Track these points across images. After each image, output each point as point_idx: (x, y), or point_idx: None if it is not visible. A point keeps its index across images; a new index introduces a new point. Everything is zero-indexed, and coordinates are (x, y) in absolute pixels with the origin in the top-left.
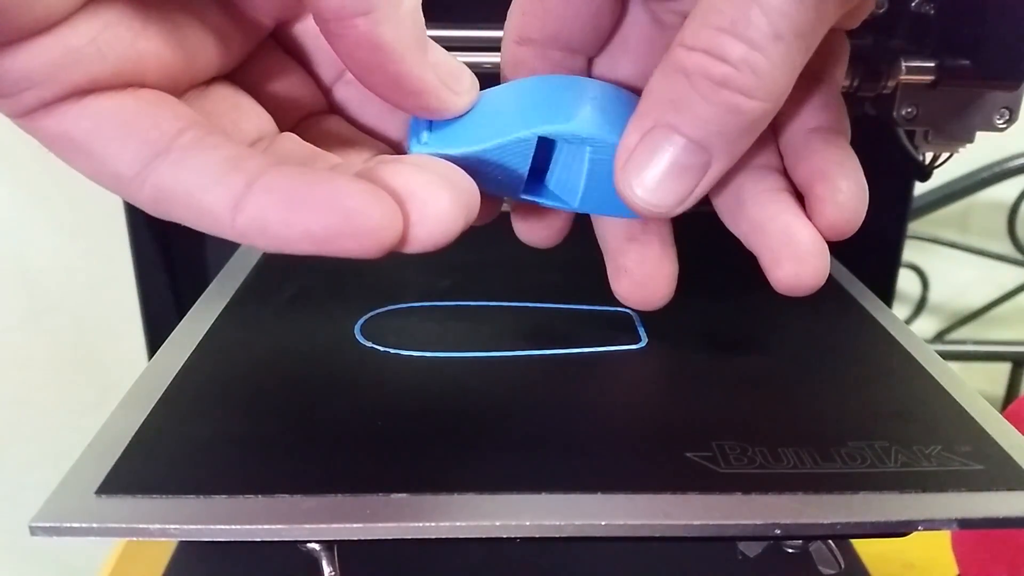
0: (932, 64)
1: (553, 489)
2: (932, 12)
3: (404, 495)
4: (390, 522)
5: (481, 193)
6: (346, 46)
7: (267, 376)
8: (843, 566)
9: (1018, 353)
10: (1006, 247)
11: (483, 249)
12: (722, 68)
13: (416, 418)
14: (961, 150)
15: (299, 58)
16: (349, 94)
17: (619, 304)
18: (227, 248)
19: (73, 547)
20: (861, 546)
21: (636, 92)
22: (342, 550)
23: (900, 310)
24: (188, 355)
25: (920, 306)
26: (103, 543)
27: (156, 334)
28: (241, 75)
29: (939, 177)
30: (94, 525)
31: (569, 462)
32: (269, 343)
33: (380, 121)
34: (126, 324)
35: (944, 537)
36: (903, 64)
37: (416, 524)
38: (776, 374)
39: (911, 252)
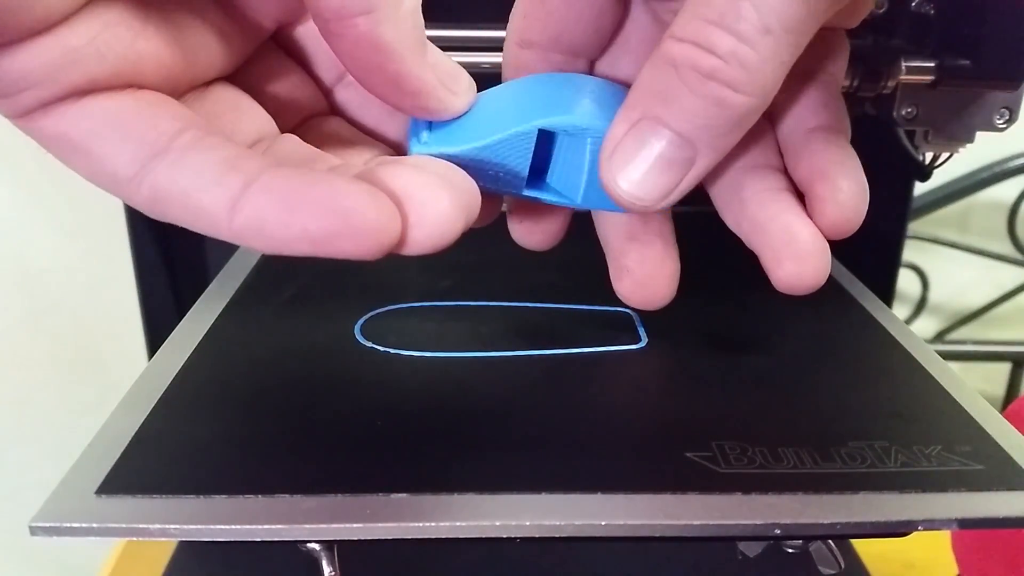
0: (932, 64)
1: (553, 489)
2: (932, 12)
3: (404, 495)
4: (390, 522)
5: (481, 193)
6: (346, 46)
7: (267, 376)
8: (843, 566)
9: (1018, 353)
10: (1006, 247)
11: (483, 249)
12: (710, 60)
13: (416, 418)
14: (961, 150)
15: (300, 60)
16: (350, 96)
17: (619, 304)
18: (227, 248)
19: (73, 547)
20: (861, 546)
21: None
22: (342, 550)
23: (900, 310)
24: (188, 355)
25: (920, 306)
26: (103, 543)
27: (156, 334)
28: (242, 76)
29: (939, 177)
30: (94, 525)
31: (569, 462)
32: (269, 343)
33: (381, 122)
34: (126, 324)
35: (944, 537)
36: (903, 64)
37: (416, 524)
38: (776, 374)
39: (911, 252)
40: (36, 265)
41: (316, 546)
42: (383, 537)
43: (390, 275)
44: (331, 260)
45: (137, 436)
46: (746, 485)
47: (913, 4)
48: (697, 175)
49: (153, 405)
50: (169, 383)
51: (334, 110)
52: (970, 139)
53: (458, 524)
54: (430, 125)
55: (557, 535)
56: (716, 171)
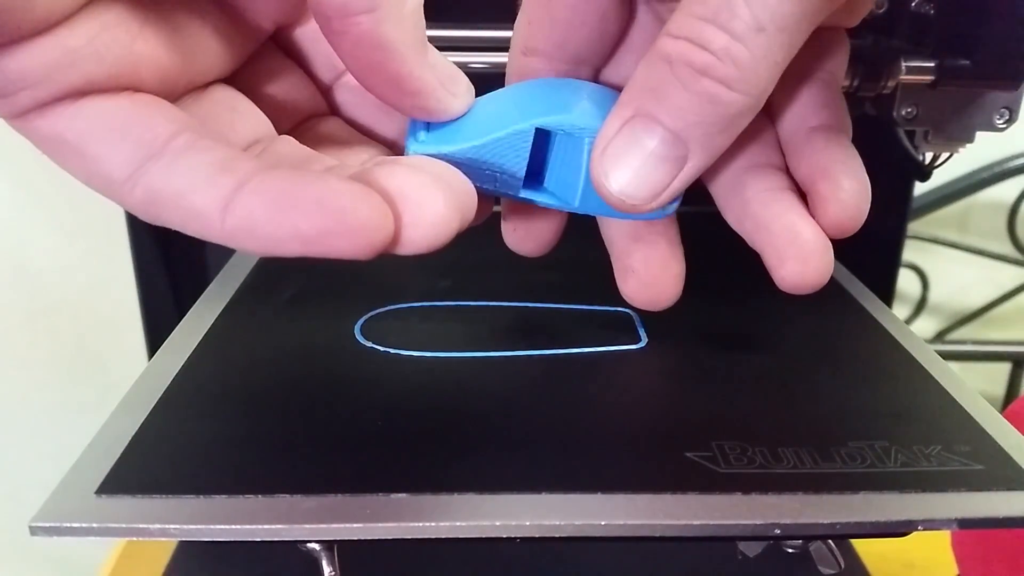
0: (932, 64)
1: (553, 489)
2: (932, 12)
3: (404, 495)
4: (390, 522)
5: (478, 193)
6: (347, 44)
7: (267, 376)
8: (843, 566)
9: (1018, 353)
10: (1006, 247)
11: (483, 249)
12: (704, 56)
13: (416, 418)
14: (961, 150)
15: (298, 60)
16: (348, 97)
17: (619, 304)
18: (227, 248)
19: (73, 547)
20: (861, 546)
21: None
22: (342, 550)
23: (900, 310)
24: (188, 355)
25: (920, 306)
26: (103, 543)
27: (156, 334)
28: (240, 77)
29: (939, 177)
30: (94, 525)
31: (569, 462)
32: (269, 343)
33: (379, 123)
34: (126, 324)
35: (944, 537)
36: (903, 64)
37: (416, 524)
38: (776, 374)
39: (911, 252)
40: (36, 265)
41: (316, 546)
42: (383, 537)
43: (390, 275)
44: (330, 260)
45: (137, 436)
46: (746, 485)
47: (913, 4)
48: (689, 176)
49: (153, 405)
50: (169, 383)
51: (333, 111)
52: (970, 139)
53: (458, 524)
54: (428, 126)
55: (557, 535)
56: (718, 170)
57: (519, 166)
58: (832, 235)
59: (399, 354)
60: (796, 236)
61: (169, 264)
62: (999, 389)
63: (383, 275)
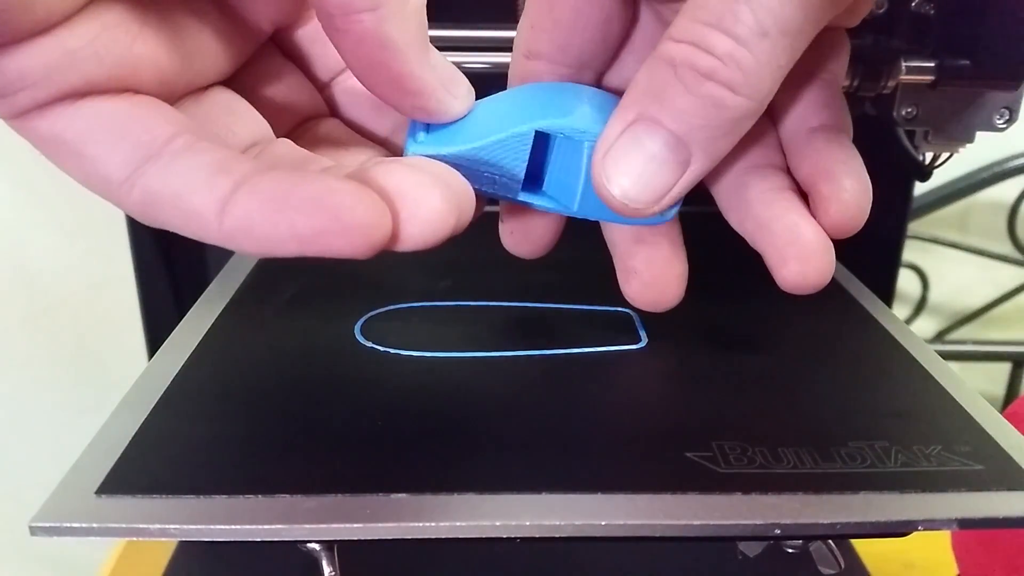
0: (932, 64)
1: (553, 489)
2: (932, 12)
3: (404, 495)
4: (390, 522)
5: (476, 194)
6: (350, 43)
7: (267, 376)
8: (843, 566)
9: (1018, 353)
10: (1006, 247)
11: (483, 249)
12: (708, 60)
13: (416, 418)
14: (961, 150)
15: (297, 62)
16: (345, 98)
17: (619, 304)
18: (227, 249)
19: (73, 547)
20: (861, 546)
21: None
22: (342, 550)
23: (900, 310)
24: (188, 355)
25: (920, 306)
26: (103, 543)
27: (156, 334)
28: (239, 79)
29: (939, 177)
30: (94, 525)
31: (569, 462)
32: (269, 343)
33: (377, 124)
34: (126, 324)
35: (944, 537)
36: (903, 64)
37: (416, 524)
38: (776, 374)
39: (911, 252)
40: (36, 265)
41: (316, 546)
42: (383, 537)
43: (390, 275)
44: (330, 260)
45: (137, 436)
46: (746, 485)
47: (913, 4)
48: (691, 180)
49: (153, 405)
50: (169, 383)
51: (332, 111)
52: (970, 139)
53: (458, 524)
54: (427, 128)
55: (557, 535)
56: (719, 171)
57: (518, 169)
58: (833, 235)
59: (399, 354)
60: (798, 236)
61: (169, 264)
62: (999, 389)
63: (383, 275)
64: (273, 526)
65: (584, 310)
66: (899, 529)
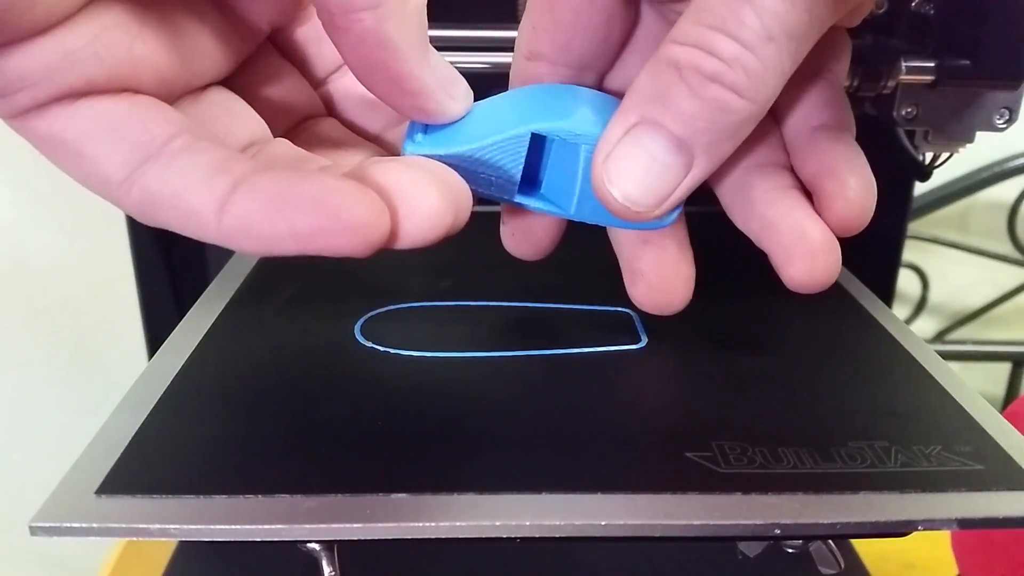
0: (932, 64)
1: (553, 489)
2: (932, 12)
3: (404, 495)
4: (390, 522)
5: (473, 195)
6: (350, 41)
7: (267, 376)
8: (843, 566)
9: (1018, 353)
10: (1006, 247)
11: (483, 249)
12: (714, 63)
13: (416, 418)
14: (961, 150)
15: (294, 61)
16: (338, 96)
17: (619, 304)
18: (227, 248)
19: (73, 547)
20: (861, 546)
21: None
22: (342, 550)
23: (900, 310)
24: (188, 355)
25: (920, 306)
26: (103, 543)
27: (156, 334)
28: (237, 78)
29: (939, 177)
30: (94, 525)
31: (569, 462)
32: (269, 343)
33: (370, 122)
34: (126, 324)
35: (944, 537)
36: (903, 64)
37: (416, 524)
38: (776, 374)
39: (911, 252)
40: (36, 265)
41: (316, 546)
42: (383, 537)
43: (390, 275)
44: (329, 259)
45: (137, 436)
46: (746, 485)
47: (913, 4)
48: (692, 183)
49: (153, 405)
50: (169, 383)
51: (329, 111)
52: (970, 139)
53: (458, 524)
54: (426, 129)
55: (557, 535)
56: (723, 170)
57: (514, 171)
58: (839, 233)
59: (399, 354)
60: (803, 234)
61: (169, 264)
62: (999, 389)
63: (383, 275)
64: (273, 526)
65: (584, 310)
66: (899, 529)
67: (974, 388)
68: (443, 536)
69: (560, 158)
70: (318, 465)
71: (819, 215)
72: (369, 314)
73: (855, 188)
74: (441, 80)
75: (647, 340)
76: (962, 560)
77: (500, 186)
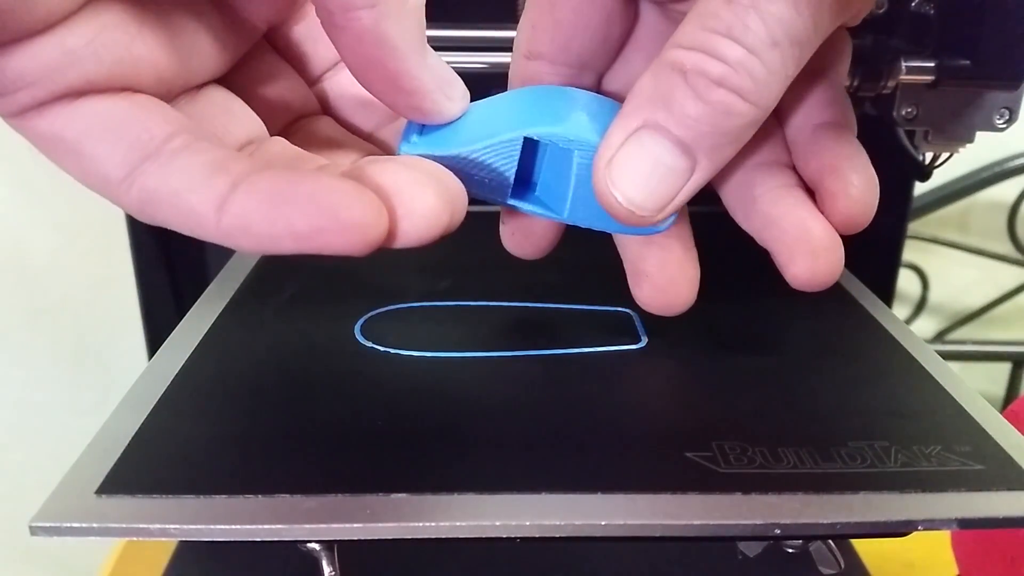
0: (932, 64)
1: (553, 489)
2: (932, 12)
3: (404, 495)
4: (390, 522)
5: (469, 195)
6: (348, 39)
7: (267, 376)
8: (843, 566)
9: (1018, 353)
10: (1006, 247)
11: (483, 249)
12: (719, 67)
13: (416, 418)
14: (961, 150)
15: (290, 60)
16: (332, 93)
17: (619, 304)
18: (227, 248)
19: (73, 547)
20: (861, 546)
21: None
22: (342, 550)
23: (900, 310)
24: (188, 355)
25: (920, 306)
26: (103, 543)
27: (156, 334)
28: (233, 77)
29: (939, 177)
30: (94, 525)
31: (569, 462)
32: (269, 343)
33: (363, 120)
34: (126, 324)
35: (944, 537)
36: (903, 64)
37: (416, 524)
38: (776, 374)
39: (911, 252)
40: (36, 265)
41: (316, 546)
42: (383, 537)
43: (390, 275)
44: (329, 259)
45: (137, 436)
46: (746, 485)
47: (913, 4)
48: (695, 187)
49: (153, 405)
50: (169, 383)
51: (324, 109)
52: (970, 139)
53: (458, 524)
54: (422, 129)
55: (557, 535)
56: (726, 169)
57: (508, 174)
58: (842, 231)
59: (399, 354)
60: (807, 232)
61: (169, 264)
62: (999, 389)
63: (383, 275)
64: (273, 526)
65: (584, 310)
66: (899, 529)
67: (974, 388)
68: (443, 536)
69: (554, 162)
70: (318, 465)
71: (822, 213)
72: (369, 314)
73: (858, 185)
74: (438, 80)
75: (647, 340)
76: (962, 560)
77: (494, 188)
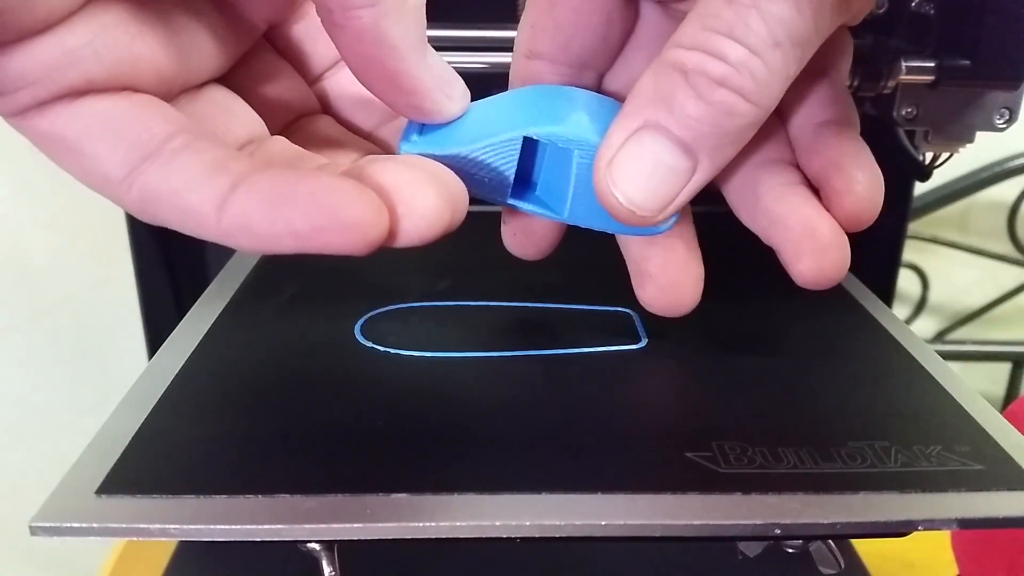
0: (932, 64)
1: (553, 489)
2: (932, 12)
3: (404, 495)
4: (390, 522)
5: (469, 194)
6: (348, 39)
7: (267, 376)
8: (843, 566)
9: (1018, 353)
10: (1006, 247)
11: (483, 249)
12: (721, 67)
13: (416, 418)
14: (961, 150)
15: (290, 59)
16: (331, 92)
17: (619, 304)
18: (227, 248)
19: (73, 547)
20: (861, 546)
21: None
22: (342, 550)
23: (900, 310)
24: (188, 355)
25: (920, 306)
26: (103, 543)
27: (156, 334)
28: (233, 76)
29: (939, 177)
30: (94, 525)
31: (569, 462)
32: (269, 343)
33: (362, 119)
34: (126, 324)
35: (944, 537)
36: (903, 64)
37: (416, 524)
38: (776, 374)
39: (911, 252)
40: (36, 265)
41: (316, 546)
42: (383, 537)
43: (390, 275)
44: (331, 259)
45: (137, 436)
46: (746, 485)
47: (913, 4)
48: (696, 187)
49: (153, 405)
50: (169, 383)
51: (324, 108)
52: (970, 139)
53: (458, 524)
54: (422, 129)
55: (557, 535)
56: (730, 167)
57: (507, 173)
58: (848, 228)
59: (399, 354)
60: (813, 230)
61: (169, 264)
62: (999, 389)
63: (383, 275)
64: (273, 526)
65: (584, 310)
66: (899, 529)
67: (974, 388)
68: (443, 536)
69: (553, 162)
70: (318, 465)
71: (827, 210)
72: (369, 314)
73: (863, 182)
74: (438, 79)
75: (647, 340)
76: (962, 560)
77: (494, 188)
